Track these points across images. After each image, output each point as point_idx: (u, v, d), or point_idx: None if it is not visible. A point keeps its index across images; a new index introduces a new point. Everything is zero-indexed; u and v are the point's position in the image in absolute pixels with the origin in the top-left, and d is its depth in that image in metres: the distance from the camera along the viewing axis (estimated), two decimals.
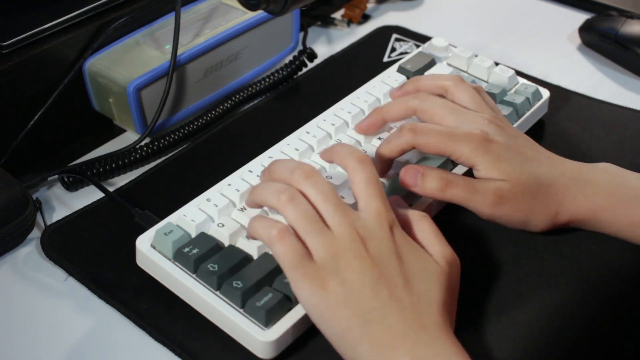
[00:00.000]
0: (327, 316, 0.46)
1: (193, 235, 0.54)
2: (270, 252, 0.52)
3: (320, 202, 0.48)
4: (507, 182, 0.55)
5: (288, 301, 0.50)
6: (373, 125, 0.62)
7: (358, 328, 0.45)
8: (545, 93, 0.70)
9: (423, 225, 0.52)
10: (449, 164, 0.60)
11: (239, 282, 0.50)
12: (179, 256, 0.52)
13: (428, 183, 0.55)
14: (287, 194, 0.48)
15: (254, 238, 0.50)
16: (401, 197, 0.56)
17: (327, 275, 0.46)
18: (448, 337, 0.46)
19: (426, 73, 0.70)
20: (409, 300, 0.46)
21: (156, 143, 0.67)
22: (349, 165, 0.50)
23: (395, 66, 0.71)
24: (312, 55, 0.77)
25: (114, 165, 0.64)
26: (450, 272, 0.50)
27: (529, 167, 0.56)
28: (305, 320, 0.50)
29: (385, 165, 0.59)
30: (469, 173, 0.58)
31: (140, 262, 0.55)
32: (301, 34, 0.80)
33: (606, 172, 0.58)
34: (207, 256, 0.52)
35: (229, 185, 0.57)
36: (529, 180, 0.56)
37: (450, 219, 0.60)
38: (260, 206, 0.53)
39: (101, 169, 0.64)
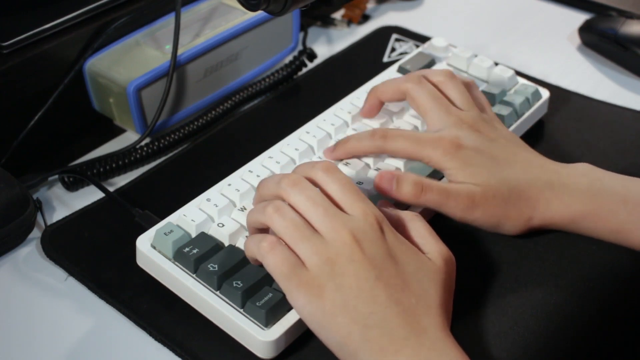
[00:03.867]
0: (325, 324, 0.46)
1: (193, 235, 0.54)
2: None
3: (310, 208, 0.48)
4: (478, 186, 0.55)
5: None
6: (373, 107, 0.63)
7: (358, 334, 0.45)
8: (545, 93, 0.70)
9: (415, 224, 0.51)
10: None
11: (239, 282, 0.50)
12: (179, 256, 0.52)
13: (403, 188, 0.55)
14: (272, 206, 0.48)
15: (258, 263, 0.49)
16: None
17: (322, 282, 0.46)
18: (448, 339, 0.46)
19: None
20: (408, 302, 0.46)
21: (156, 143, 0.67)
22: (317, 178, 0.50)
23: (395, 66, 0.71)
24: (312, 55, 0.77)
25: (114, 165, 0.64)
26: (446, 270, 0.49)
27: (499, 172, 0.56)
28: None
29: (344, 154, 0.59)
30: None
31: (141, 262, 0.55)
32: (301, 34, 0.80)
33: (585, 176, 0.57)
34: (207, 256, 0.52)
35: (229, 185, 0.57)
36: (499, 185, 0.56)
37: (450, 219, 0.60)
38: (258, 229, 0.52)
39: (101, 169, 0.64)
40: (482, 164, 0.56)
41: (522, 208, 0.56)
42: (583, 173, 0.58)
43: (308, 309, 0.46)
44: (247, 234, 0.54)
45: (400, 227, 0.51)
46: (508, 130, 0.61)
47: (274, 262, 0.47)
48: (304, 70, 0.77)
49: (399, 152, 0.58)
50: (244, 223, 0.54)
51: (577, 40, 0.84)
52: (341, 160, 0.60)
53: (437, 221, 0.55)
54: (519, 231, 0.57)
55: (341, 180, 0.49)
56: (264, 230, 0.50)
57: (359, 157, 0.60)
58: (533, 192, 0.56)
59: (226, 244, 0.53)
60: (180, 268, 0.52)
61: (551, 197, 0.56)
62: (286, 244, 0.47)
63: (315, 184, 0.50)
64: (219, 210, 0.55)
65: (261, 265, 0.49)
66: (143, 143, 0.67)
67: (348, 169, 0.59)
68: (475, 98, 0.61)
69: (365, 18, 0.88)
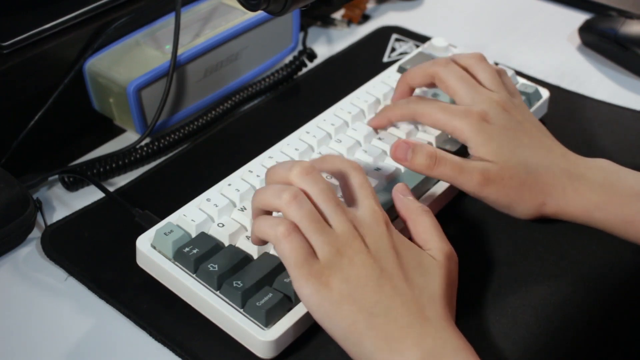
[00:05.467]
0: (331, 313, 0.46)
1: (193, 235, 0.54)
2: (271, 252, 0.53)
3: (322, 201, 0.48)
4: (495, 164, 0.56)
5: (288, 301, 0.50)
6: (403, 93, 0.64)
7: (363, 322, 0.46)
8: (545, 93, 0.70)
9: (423, 218, 0.52)
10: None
11: (239, 282, 0.50)
12: (179, 256, 0.52)
13: (417, 158, 0.56)
14: (289, 192, 0.48)
15: (261, 242, 0.50)
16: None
17: (330, 272, 0.47)
18: (452, 328, 0.47)
19: None
20: (411, 293, 0.47)
21: (156, 143, 0.67)
22: (341, 172, 0.51)
23: (395, 66, 0.71)
24: (312, 55, 0.77)
25: (114, 165, 0.64)
26: (448, 266, 0.50)
27: (521, 153, 0.57)
28: (305, 320, 0.50)
29: (382, 122, 0.62)
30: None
31: (141, 262, 0.55)
32: (301, 34, 0.80)
33: (602, 169, 0.58)
34: (207, 256, 0.52)
35: (229, 185, 0.57)
36: (518, 166, 0.56)
37: (451, 218, 0.60)
38: (264, 212, 0.52)
39: (101, 169, 0.64)
40: (505, 143, 0.57)
41: (537, 192, 0.57)
42: (601, 167, 0.58)
43: (315, 298, 0.46)
44: (247, 234, 0.54)
45: (408, 220, 0.53)
46: (535, 118, 0.61)
47: (290, 249, 0.47)
48: (304, 70, 0.77)
49: (429, 117, 0.59)
50: (244, 223, 0.54)
51: (577, 40, 0.84)
52: (381, 127, 0.63)
53: (439, 220, 0.55)
54: (530, 216, 0.58)
55: (362, 178, 0.51)
56: (269, 213, 0.50)
57: (394, 122, 0.63)
58: (550, 178, 0.57)
59: (226, 244, 0.53)
60: (180, 268, 0.52)
61: (567, 186, 0.57)
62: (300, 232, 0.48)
63: (338, 173, 0.51)
64: (219, 210, 0.55)
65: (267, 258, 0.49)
66: (143, 143, 0.67)
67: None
68: (505, 83, 0.62)
69: (365, 18, 0.88)
